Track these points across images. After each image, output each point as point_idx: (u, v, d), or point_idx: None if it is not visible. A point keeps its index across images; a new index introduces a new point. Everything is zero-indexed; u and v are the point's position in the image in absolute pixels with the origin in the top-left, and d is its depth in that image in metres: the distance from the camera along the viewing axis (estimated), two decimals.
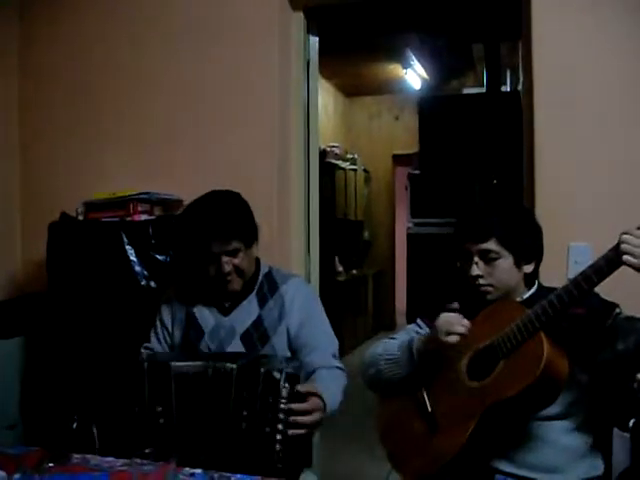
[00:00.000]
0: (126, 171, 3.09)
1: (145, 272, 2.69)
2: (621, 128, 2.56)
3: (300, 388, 1.89)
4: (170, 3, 3.14)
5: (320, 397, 1.94)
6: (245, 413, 1.86)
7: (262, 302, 2.25)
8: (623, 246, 1.62)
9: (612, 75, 2.57)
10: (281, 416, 1.84)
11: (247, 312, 2.24)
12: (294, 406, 1.85)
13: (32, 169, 3.31)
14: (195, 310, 2.27)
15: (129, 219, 2.84)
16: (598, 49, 2.59)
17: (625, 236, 1.63)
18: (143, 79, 3.17)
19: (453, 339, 1.87)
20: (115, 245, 2.71)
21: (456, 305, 2.00)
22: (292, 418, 1.84)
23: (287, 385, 1.85)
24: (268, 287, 2.28)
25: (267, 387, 1.85)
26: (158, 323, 2.34)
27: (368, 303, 8.68)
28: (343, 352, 2.33)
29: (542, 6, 2.63)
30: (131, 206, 2.86)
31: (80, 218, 2.93)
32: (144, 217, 2.87)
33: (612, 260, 1.64)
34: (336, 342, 2.30)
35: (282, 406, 1.84)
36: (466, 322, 1.89)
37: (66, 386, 2.79)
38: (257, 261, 2.32)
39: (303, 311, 2.25)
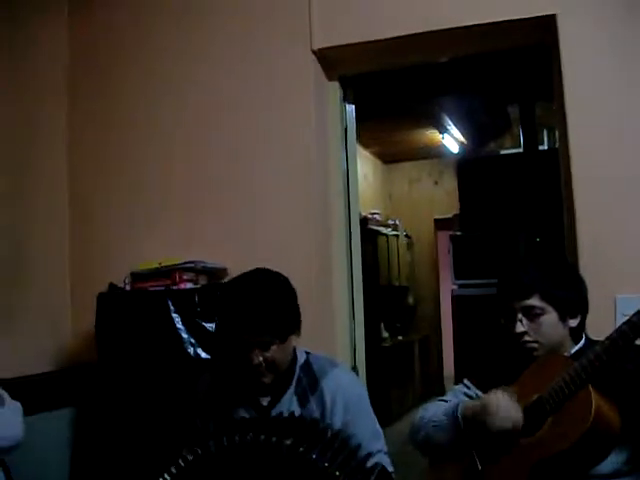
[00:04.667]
0: (172, 240, 3.14)
1: (192, 339, 2.71)
2: None
3: None
4: (209, 75, 3.24)
5: None
6: None
7: (303, 401, 2.07)
8: None
9: None
10: None
11: (287, 412, 2.01)
12: None
13: (81, 240, 3.39)
14: (231, 410, 2.09)
15: (175, 288, 2.89)
16: (631, 106, 2.64)
17: None
18: (187, 149, 3.25)
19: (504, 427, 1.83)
20: (162, 313, 2.74)
21: (511, 390, 1.90)
22: None
23: None
24: (308, 382, 2.09)
25: None
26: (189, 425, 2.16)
27: (415, 369, 8.57)
28: (391, 420, 2.25)
29: (573, 68, 2.70)
30: (177, 275, 2.91)
31: (127, 288, 2.99)
32: (189, 285, 2.91)
33: None
34: (382, 437, 2.13)
35: None
36: (519, 417, 1.83)
37: (117, 458, 2.79)
38: (294, 350, 2.12)
39: (347, 410, 2.06)
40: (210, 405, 2.13)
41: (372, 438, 2.07)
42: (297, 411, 2.02)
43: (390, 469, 2.04)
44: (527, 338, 1.95)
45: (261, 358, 1.97)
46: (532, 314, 1.94)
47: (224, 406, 2.09)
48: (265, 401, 2.07)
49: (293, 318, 2.06)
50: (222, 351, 2.26)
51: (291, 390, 2.08)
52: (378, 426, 2.14)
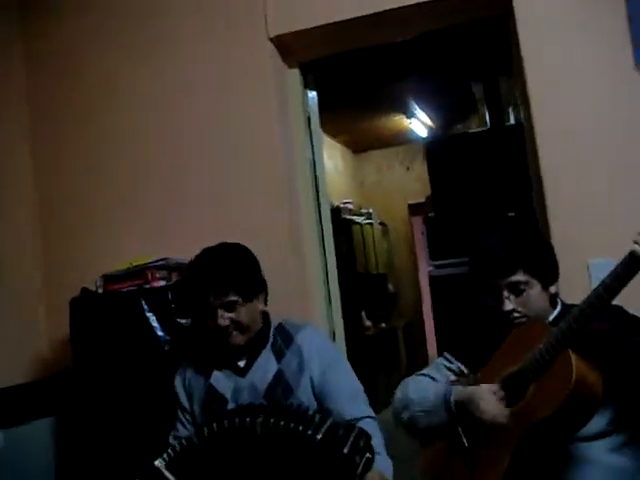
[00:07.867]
0: (143, 239, 3.11)
1: (168, 337, 2.67)
2: (625, 137, 2.59)
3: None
4: (165, 67, 3.20)
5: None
6: None
7: (279, 356, 2.20)
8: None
9: (604, 93, 2.63)
10: None
11: (264, 368, 2.19)
12: None
13: (52, 248, 3.33)
14: (212, 380, 2.23)
15: (148, 286, 2.84)
16: (592, 71, 2.64)
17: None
18: (151, 146, 3.21)
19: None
20: (136, 313, 2.70)
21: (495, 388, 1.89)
22: None
23: (361, 470, 1.77)
24: (282, 340, 2.24)
25: (344, 470, 1.75)
26: (178, 408, 2.31)
27: (400, 356, 8.57)
28: (378, 409, 2.26)
29: (530, 41, 2.69)
30: (149, 274, 2.86)
31: (100, 291, 2.93)
32: (162, 283, 2.86)
33: (628, 264, 1.60)
34: (361, 387, 2.23)
35: None
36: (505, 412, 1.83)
37: (101, 463, 2.75)
38: (266, 316, 2.29)
39: (323, 359, 2.20)
40: (192, 386, 2.28)
41: (354, 387, 2.20)
42: (275, 366, 2.19)
43: (372, 415, 2.15)
44: (516, 314, 1.93)
45: (228, 320, 2.12)
46: (518, 289, 1.93)
47: (206, 381, 2.24)
48: (242, 363, 2.21)
49: (254, 280, 2.23)
50: (197, 321, 2.45)
51: (267, 350, 2.22)
52: (358, 383, 2.24)
